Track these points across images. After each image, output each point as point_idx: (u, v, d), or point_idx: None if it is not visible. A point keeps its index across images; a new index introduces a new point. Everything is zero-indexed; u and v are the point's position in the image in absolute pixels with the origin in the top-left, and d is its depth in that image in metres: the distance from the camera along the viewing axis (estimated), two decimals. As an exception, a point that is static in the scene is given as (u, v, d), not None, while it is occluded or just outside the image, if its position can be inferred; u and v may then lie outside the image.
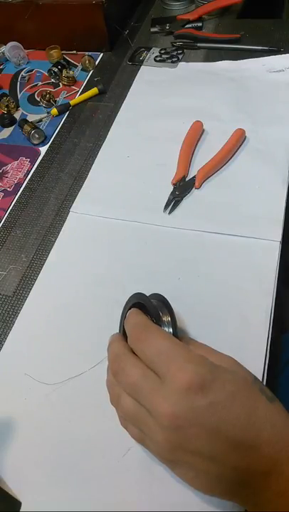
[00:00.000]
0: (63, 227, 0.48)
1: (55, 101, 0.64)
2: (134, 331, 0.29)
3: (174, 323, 0.31)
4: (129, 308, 0.31)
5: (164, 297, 0.33)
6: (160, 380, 0.26)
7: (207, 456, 0.24)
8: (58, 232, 0.47)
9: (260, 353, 0.35)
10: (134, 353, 0.28)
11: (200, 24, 0.70)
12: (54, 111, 0.62)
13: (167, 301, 0.32)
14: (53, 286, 0.43)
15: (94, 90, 0.63)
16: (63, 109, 0.62)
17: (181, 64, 0.65)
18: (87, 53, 0.70)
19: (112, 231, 0.46)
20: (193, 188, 0.48)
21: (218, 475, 0.25)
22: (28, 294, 0.43)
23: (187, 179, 0.49)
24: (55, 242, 0.47)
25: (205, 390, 0.25)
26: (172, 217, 0.46)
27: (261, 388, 0.27)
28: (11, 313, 0.42)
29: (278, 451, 0.24)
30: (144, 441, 0.28)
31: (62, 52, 0.70)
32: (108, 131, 0.57)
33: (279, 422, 0.26)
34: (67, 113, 0.62)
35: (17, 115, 0.63)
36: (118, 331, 0.32)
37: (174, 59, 0.66)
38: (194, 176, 0.49)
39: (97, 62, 0.70)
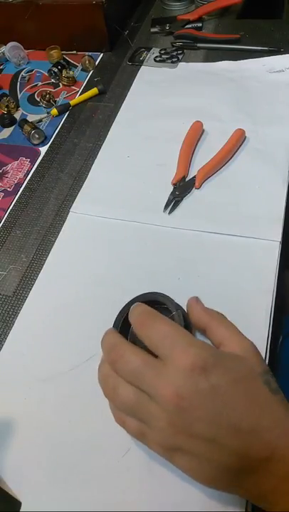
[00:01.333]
0: (63, 228, 0.48)
1: (55, 101, 0.64)
2: (140, 318, 0.29)
3: (185, 315, 0.32)
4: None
5: (163, 294, 0.33)
6: (163, 364, 0.26)
7: (208, 440, 0.25)
8: (58, 232, 0.47)
9: (261, 351, 0.35)
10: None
11: (200, 24, 0.70)
12: (54, 111, 0.62)
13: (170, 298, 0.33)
14: (52, 286, 0.43)
15: (94, 90, 0.63)
16: (63, 109, 0.62)
17: (181, 64, 0.65)
18: (87, 53, 0.70)
19: (112, 231, 0.46)
20: (193, 188, 0.48)
21: (220, 461, 0.25)
22: (27, 294, 0.43)
23: (187, 179, 0.49)
24: (55, 242, 0.47)
25: (207, 373, 0.25)
26: (172, 218, 0.46)
27: (267, 380, 0.27)
28: (10, 313, 0.42)
29: (278, 436, 0.25)
30: (143, 433, 0.28)
31: (62, 52, 0.70)
32: (108, 131, 0.57)
33: (279, 412, 0.26)
34: (67, 113, 0.62)
35: (17, 115, 0.63)
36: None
37: (173, 59, 0.66)
38: (194, 176, 0.49)
39: (97, 63, 0.70)
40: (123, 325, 0.32)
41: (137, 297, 0.33)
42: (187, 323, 0.32)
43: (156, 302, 0.33)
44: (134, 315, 0.30)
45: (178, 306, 0.33)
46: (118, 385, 0.28)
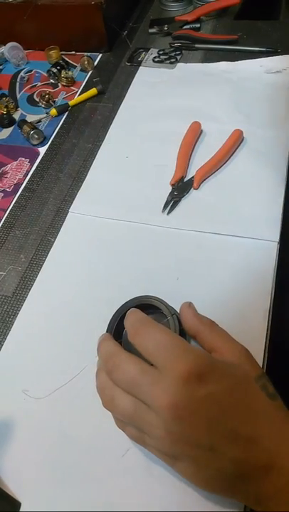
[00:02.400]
0: (62, 228, 0.48)
1: (54, 101, 0.64)
2: (134, 326, 0.29)
3: (180, 320, 0.32)
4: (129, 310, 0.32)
5: (158, 298, 0.33)
6: (158, 373, 0.26)
7: (207, 447, 0.25)
8: (57, 233, 0.47)
9: (259, 352, 0.35)
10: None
11: (198, 25, 0.70)
12: (53, 111, 0.62)
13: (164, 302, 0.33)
14: (52, 286, 0.43)
15: (93, 91, 0.63)
16: (62, 109, 0.62)
17: (179, 65, 0.66)
18: (86, 54, 0.70)
19: (111, 231, 0.46)
20: (192, 189, 0.48)
21: (218, 468, 0.25)
22: (27, 295, 0.43)
23: (185, 180, 0.49)
24: (54, 242, 0.47)
25: (203, 381, 0.25)
26: (170, 218, 0.46)
27: (264, 385, 0.27)
28: (10, 313, 0.42)
29: (278, 444, 0.25)
30: (143, 440, 0.28)
31: (61, 52, 0.70)
32: (107, 131, 0.57)
33: (278, 418, 0.26)
34: (67, 113, 0.63)
35: (16, 116, 0.63)
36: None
37: (172, 60, 0.66)
38: (192, 177, 0.49)
39: (95, 63, 0.70)
40: (117, 327, 0.32)
41: (131, 300, 0.33)
42: (182, 328, 0.32)
43: (151, 306, 0.33)
44: (128, 323, 0.30)
45: (173, 311, 0.33)
46: (115, 396, 0.27)
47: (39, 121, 0.62)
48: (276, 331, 0.38)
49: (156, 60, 0.67)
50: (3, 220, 0.51)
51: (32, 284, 0.43)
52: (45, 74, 0.69)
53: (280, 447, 0.25)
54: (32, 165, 0.56)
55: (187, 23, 0.70)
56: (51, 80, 0.68)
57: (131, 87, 0.63)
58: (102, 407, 0.29)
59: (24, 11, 0.67)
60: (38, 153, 0.58)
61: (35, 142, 0.58)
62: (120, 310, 0.33)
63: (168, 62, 0.66)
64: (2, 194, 0.53)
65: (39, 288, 0.43)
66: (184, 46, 0.68)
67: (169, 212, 0.47)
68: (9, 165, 0.57)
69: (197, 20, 0.71)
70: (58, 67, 0.67)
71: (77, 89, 0.66)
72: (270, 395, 0.27)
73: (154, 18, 0.74)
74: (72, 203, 0.50)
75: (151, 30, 0.72)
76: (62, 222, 0.48)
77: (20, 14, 0.67)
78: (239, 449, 0.25)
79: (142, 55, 0.68)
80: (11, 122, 0.62)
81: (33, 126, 0.59)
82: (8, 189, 0.54)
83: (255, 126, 0.53)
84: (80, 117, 0.61)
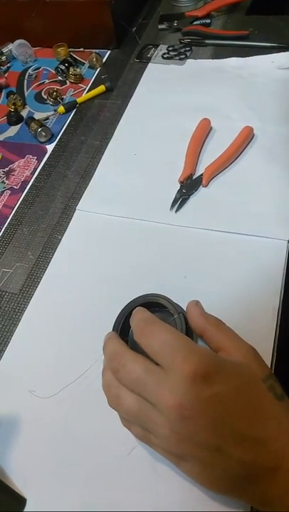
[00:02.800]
0: (69, 225, 0.48)
1: (62, 99, 0.64)
2: (140, 326, 0.29)
3: (186, 318, 0.32)
4: (135, 308, 0.31)
5: (165, 296, 0.33)
6: (164, 372, 0.26)
7: (213, 448, 0.24)
8: (65, 230, 0.47)
9: (267, 352, 0.35)
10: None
11: (208, 21, 0.69)
12: (61, 109, 0.62)
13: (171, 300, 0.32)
14: (59, 284, 0.43)
15: (101, 88, 0.63)
16: (70, 106, 0.62)
17: (189, 61, 0.65)
18: (94, 51, 0.69)
19: (118, 229, 0.46)
20: (201, 186, 0.48)
21: (224, 469, 0.25)
22: (34, 292, 0.43)
23: (194, 177, 0.49)
24: (61, 240, 0.47)
25: (210, 381, 0.25)
26: (179, 216, 0.46)
27: (271, 385, 0.27)
28: (17, 310, 0.42)
29: (284, 446, 0.24)
30: (148, 439, 0.28)
31: (70, 49, 0.70)
32: (115, 128, 0.57)
33: (285, 419, 0.25)
34: (74, 111, 0.62)
35: (24, 113, 0.63)
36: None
37: (181, 56, 0.65)
38: (201, 174, 0.48)
39: (104, 60, 0.69)
40: (123, 325, 0.32)
41: (137, 298, 0.33)
42: (189, 327, 0.32)
43: (157, 304, 0.32)
44: (134, 322, 0.30)
45: (180, 309, 0.32)
46: (121, 395, 0.27)
47: (47, 118, 0.62)
48: (285, 331, 0.37)
49: (165, 56, 0.66)
50: (10, 218, 0.51)
51: (39, 282, 0.43)
52: (53, 71, 0.68)
53: (287, 449, 0.24)
54: (39, 162, 0.56)
55: (197, 18, 0.70)
56: (59, 77, 0.68)
57: (140, 83, 0.63)
58: (108, 406, 0.29)
59: (32, 8, 0.67)
60: (45, 151, 0.58)
61: (42, 139, 0.58)
62: (126, 308, 0.33)
63: (177, 58, 0.65)
64: (9, 191, 0.53)
65: (46, 286, 0.43)
66: (193, 42, 0.67)
67: (177, 210, 0.46)
68: (17, 162, 0.57)
69: (207, 15, 0.70)
70: (66, 64, 0.67)
71: (85, 87, 0.66)
72: (278, 396, 0.26)
73: (164, 14, 0.73)
74: (79, 200, 0.50)
75: (160, 26, 0.71)
76: (70, 220, 0.48)
77: (29, 11, 0.67)
78: (246, 450, 0.24)
79: (151, 51, 0.68)
80: (18, 120, 0.62)
81: (41, 123, 0.59)
82: (15, 186, 0.54)
83: (265, 123, 0.53)
84: (88, 114, 0.61)
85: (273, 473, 0.24)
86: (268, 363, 0.34)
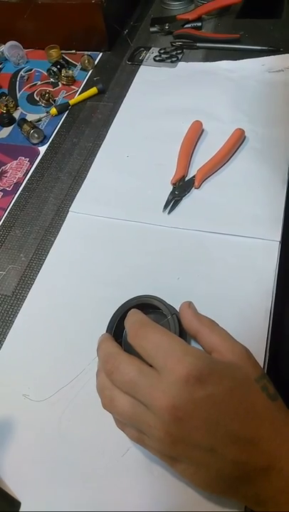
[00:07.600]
0: (62, 227, 0.48)
1: (54, 100, 0.64)
2: (133, 328, 0.29)
3: (180, 320, 0.32)
4: (129, 309, 0.31)
5: (158, 298, 0.33)
6: (158, 374, 0.26)
7: (207, 449, 0.25)
8: (57, 232, 0.47)
9: (260, 352, 0.35)
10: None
11: (199, 24, 0.70)
12: (53, 110, 0.61)
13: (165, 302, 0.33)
14: (52, 286, 0.43)
15: (93, 90, 0.63)
16: (62, 108, 0.62)
17: (181, 64, 0.65)
18: (86, 53, 0.69)
19: (111, 231, 0.46)
20: (193, 188, 0.48)
21: (218, 469, 0.25)
22: (27, 294, 0.43)
23: (186, 179, 0.49)
24: (54, 241, 0.46)
25: (203, 382, 0.25)
26: (171, 217, 0.46)
27: (264, 385, 0.27)
28: (10, 312, 0.42)
29: (278, 447, 0.25)
30: (142, 441, 0.28)
31: (62, 51, 0.70)
32: (107, 130, 0.57)
33: (278, 419, 0.26)
34: (67, 113, 0.62)
35: (16, 115, 0.63)
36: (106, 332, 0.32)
37: (173, 59, 0.66)
38: (194, 176, 0.49)
39: (96, 62, 0.70)
40: (117, 327, 0.32)
41: (131, 300, 0.33)
42: (182, 328, 0.32)
43: (151, 306, 0.33)
44: (128, 324, 0.30)
45: (173, 310, 0.32)
46: (115, 397, 0.27)
47: (39, 120, 0.61)
48: (277, 331, 0.37)
49: (157, 59, 0.66)
50: (3, 220, 0.50)
51: (32, 284, 0.43)
52: (46, 73, 0.68)
53: (280, 449, 0.25)
54: (32, 164, 0.56)
55: (188, 21, 0.70)
56: (51, 79, 0.68)
57: (132, 86, 0.63)
58: (102, 408, 0.29)
59: (24, 10, 0.67)
60: (38, 153, 0.57)
61: (35, 141, 0.58)
62: (120, 310, 0.33)
63: (169, 61, 0.66)
64: (2, 193, 0.53)
65: (39, 287, 0.43)
66: (185, 45, 0.68)
67: (169, 212, 0.47)
68: (9, 164, 0.57)
69: (198, 19, 0.70)
70: (58, 66, 0.67)
71: (77, 89, 0.66)
72: (271, 396, 0.26)
73: (155, 17, 0.74)
74: (72, 202, 0.50)
75: (152, 29, 0.72)
76: (63, 222, 0.48)
77: (21, 13, 0.67)
78: (239, 451, 0.24)
79: (143, 54, 0.68)
80: (10, 121, 0.62)
81: (33, 125, 0.59)
82: (8, 188, 0.54)
83: (256, 126, 0.53)
84: (81, 116, 0.61)
85: (267, 473, 0.24)
86: (261, 363, 0.34)
